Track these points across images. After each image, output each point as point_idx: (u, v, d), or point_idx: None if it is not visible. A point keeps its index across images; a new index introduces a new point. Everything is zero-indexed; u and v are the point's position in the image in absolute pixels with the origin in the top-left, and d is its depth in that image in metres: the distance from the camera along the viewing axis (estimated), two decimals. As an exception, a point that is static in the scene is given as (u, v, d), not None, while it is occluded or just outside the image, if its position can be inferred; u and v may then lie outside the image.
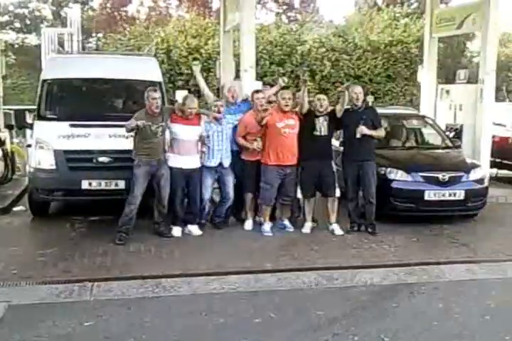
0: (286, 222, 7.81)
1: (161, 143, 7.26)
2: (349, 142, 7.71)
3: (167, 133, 7.35)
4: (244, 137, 7.59)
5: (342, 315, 5.01)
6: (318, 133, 7.49)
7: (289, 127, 7.44)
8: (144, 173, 7.09)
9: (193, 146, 7.35)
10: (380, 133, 7.79)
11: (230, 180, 7.66)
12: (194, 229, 7.48)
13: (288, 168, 7.49)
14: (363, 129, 7.51)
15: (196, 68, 8.07)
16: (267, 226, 7.63)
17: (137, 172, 7.07)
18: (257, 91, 7.87)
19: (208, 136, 7.45)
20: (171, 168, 7.27)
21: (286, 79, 8.21)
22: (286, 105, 7.41)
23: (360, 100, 7.66)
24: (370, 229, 7.65)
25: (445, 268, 6.31)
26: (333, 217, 7.66)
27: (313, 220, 7.80)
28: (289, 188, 7.58)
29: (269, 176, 7.48)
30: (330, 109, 7.58)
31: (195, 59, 17.51)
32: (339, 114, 7.54)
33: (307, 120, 7.52)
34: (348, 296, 5.49)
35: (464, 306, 5.23)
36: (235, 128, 7.64)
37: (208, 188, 7.59)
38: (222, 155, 7.50)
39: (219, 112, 7.45)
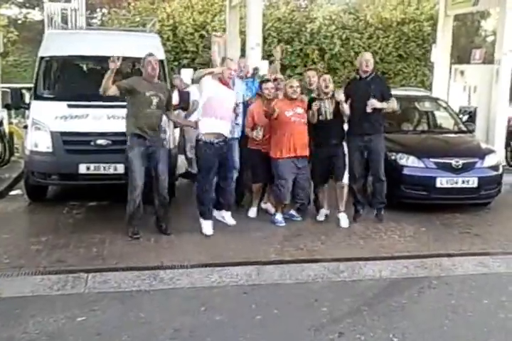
0: (293, 212, 7.48)
1: (158, 118, 6.60)
2: (356, 114, 7.14)
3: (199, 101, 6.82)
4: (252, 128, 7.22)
5: (348, 311, 4.77)
6: (322, 118, 7.07)
7: (298, 116, 7.05)
8: (140, 155, 6.43)
9: (230, 112, 6.81)
10: (392, 104, 7.29)
11: (236, 155, 7.29)
12: (229, 217, 7.00)
13: (300, 162, 7.10)
14: (373, 103, 7.04)
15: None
16: (279, 216, 7.25)
17: (131, 156, 6.42)
18: (266, 81, 7.44)
19: (238, 105, 7.06)
20: (198, 142, 6.63)
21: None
22: (294, 92, 7.06)
23: (370, 67, 7.17)
24: (376, 212, 7.39)
25: (457, 261, 6.03)
26: (341, 206, 7.31)
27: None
28: (302, 183, 7.16)
29: (282, 169, 7.05)
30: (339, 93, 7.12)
31: (201, 36, 17.23)
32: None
33: (311, 105, 7.14)
34: (355, 291, 5.23)
35: (477, 303, 4.96)
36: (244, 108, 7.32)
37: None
38: (237, 128, 7.19)
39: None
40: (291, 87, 7.07)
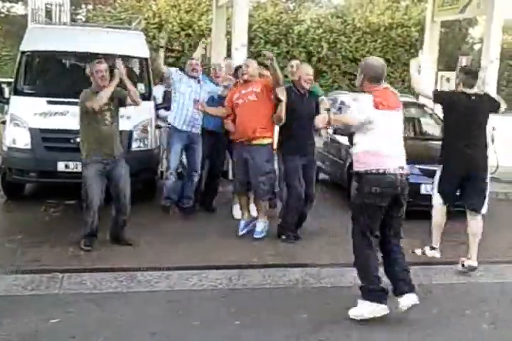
0: (260, 225, 6.70)
1: (114, 133, 6.19)
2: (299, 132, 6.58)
3: None
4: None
5: (328, 319, 4.66)
6: None
7: (245, 95, 6.51)
8: (96, 173, 6.05)
9: None
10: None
11: (199, 149, 7.21)
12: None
13: (253, 150, 6.52)
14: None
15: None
16: (242, 222, 6.81)
17: (87, 174, 6.05)
18: (240, 67, 7.17)
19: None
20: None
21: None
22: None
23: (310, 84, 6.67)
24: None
25: (441, 269, 5.97)
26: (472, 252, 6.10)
27: None
28: (252, 172, 6.61)
29: (234, 154, 6.91)
30: None
31: (187, 35, 17.09)
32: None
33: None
34: (336, 297, 5.13)
35: (460, 313, 4.88)
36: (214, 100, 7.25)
37: (177, 156, 7.12)
38: (195, 119, 7.10)
39: (193, 70, 7.07)
40: (246, 65, 6.62)
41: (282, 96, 6.34)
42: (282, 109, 6.35)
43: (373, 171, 4.55)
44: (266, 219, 6.76)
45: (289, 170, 6.57)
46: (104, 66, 6.08)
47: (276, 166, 6.86)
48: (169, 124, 7.36)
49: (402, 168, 4.64)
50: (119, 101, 6.19)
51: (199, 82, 7.18)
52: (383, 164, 4.56)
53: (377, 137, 4.61)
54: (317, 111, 6.61)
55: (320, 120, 4.78)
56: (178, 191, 7.39)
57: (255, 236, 6.63)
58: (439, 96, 6.32)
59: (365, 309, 4.60)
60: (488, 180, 6.07)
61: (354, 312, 4.62)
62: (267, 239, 6.64)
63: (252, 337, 4.34)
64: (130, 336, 4.27)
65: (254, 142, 6.47)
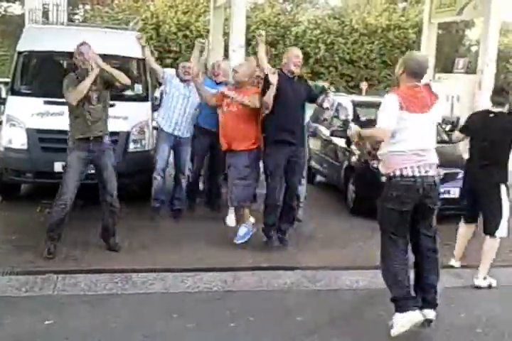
0: (242, 230, 6.40)
1: (102, 112, 5.97)
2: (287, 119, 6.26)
3: None
4: None
5: (324, 322, 4.65)
6: None
7: (227, 105, 6.38)
8: (79, 160, 5.84)
9: None
10: None
11: (187, 151, 7.23)
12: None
13: (233, 156, 6.43)
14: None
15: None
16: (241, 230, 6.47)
17: (70, 160, 5.85)
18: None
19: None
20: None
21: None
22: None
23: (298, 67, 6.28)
24: (281, 235, 6.55)
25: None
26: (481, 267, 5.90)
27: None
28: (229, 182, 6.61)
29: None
30: None
31: (185, 36, 17.14)
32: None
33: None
34: (332, 301, 5.12)
35: (455, 317, 4.86)
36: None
37: (163, 157, 7.12)
38: (181, 124, 7.07)
39: (186, 73, 7.05)
40: (235, 71, 6.50)
41: (273, 79, 6.00)
42: (270, 95, 6.05)
43: (394, 174, 4.30)
44: (250, 224, 6.45)
45: (271, 165, 6.26)
46: (85, 48, 5.92)
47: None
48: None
49: (427, 171, 4.31)
50: (107, 83, 6.05)
51: (188, 85, 7.11)
52: (404, 167, 4.26)
53: (403, 138, 4.25)
54: (311, 99, 6.46)
55: (353, 134, 4.45)
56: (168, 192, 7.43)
57: (237, 241, 6.34)
58: (463, 128, 6.09)
59: (399, 322, 4.32)
60: (505, 202, 5.70)
61: (393, 331, 4.34)
62: (262, 242, 6.62)
63: (248, 340, 4.33)
64: (125, 338, 4.25)
65: (236, 149, 6.35)
